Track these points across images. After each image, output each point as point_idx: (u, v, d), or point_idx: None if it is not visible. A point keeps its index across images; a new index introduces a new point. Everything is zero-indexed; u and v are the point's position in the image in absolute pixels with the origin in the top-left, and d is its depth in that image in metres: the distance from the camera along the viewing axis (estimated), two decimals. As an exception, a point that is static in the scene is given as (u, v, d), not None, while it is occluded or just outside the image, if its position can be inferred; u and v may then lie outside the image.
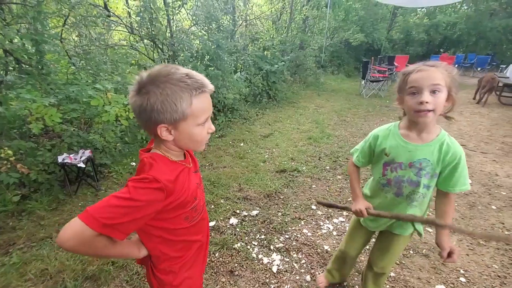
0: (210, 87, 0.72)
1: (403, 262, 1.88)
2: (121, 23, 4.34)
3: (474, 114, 5.68)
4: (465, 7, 15.46)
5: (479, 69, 11.79)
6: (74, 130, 2.87)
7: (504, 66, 10.00)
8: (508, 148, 3.88)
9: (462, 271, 1.81)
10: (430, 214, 1.30)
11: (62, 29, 4.09)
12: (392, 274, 1.78)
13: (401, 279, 1.74)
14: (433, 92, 0.92)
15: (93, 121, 3.12)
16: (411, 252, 1.97)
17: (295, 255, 1.93)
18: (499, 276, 1.78)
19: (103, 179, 2.85)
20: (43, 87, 2.68)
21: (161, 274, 0.84)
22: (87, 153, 2.60)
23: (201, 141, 0.76)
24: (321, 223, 2.27)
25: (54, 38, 2.89)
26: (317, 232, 2.17)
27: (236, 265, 1.83)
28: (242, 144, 3.87)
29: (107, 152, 3.06)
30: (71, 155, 2.53)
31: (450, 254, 1.06)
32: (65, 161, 2.46)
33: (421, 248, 2.00)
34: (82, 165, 2.49)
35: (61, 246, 0.61)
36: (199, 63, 4.44)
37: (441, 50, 14.93)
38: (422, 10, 15.09)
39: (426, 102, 0.91)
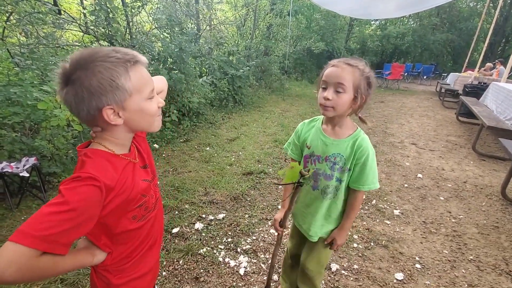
0: (143, 58, 0.67)
1: (365, 254, 1.95)
2: (73, 22, 4.04)
3: (422, 116, 6.24)
4: (411, 22, 17.19)
5: (425, 77, 13.09)
6: (16, 136, 2.57)
7: (446, 74, 11.22)
8: (451, 145, 4.31)
9: (417, 258, 1.94)
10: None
11: (5, 27, 3.70)
12: (355, 266, 1.84)
13: (364, 270, 1.81)
14: (337, 91, 0.95)
15: (40, 126, 2.82)
16: (372, 244, 2.06)
17: (262, 256, 1.91)
18: (449, 260, 1.94)
19: (51, 190, 2.58)
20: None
21: (105, 272, 0.75)
22: (32, 160, 2.34)
23: (154, 115, 0.71)
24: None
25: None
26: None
27: (201, 271, 1.75)
28: (208, 148, 3.79)
29: (56, 159, 2.78)
30: (12, 164, 2.26)
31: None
32: (4, 170, 2.18)
33: (381, 239, 2.10)
34: (25, 174, 2.22)
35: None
36: (161, 66, 4.29)
37: (393, 59, 16.33)
38: (375, 22, 16.42)
39: (328, 99, 0.96)
